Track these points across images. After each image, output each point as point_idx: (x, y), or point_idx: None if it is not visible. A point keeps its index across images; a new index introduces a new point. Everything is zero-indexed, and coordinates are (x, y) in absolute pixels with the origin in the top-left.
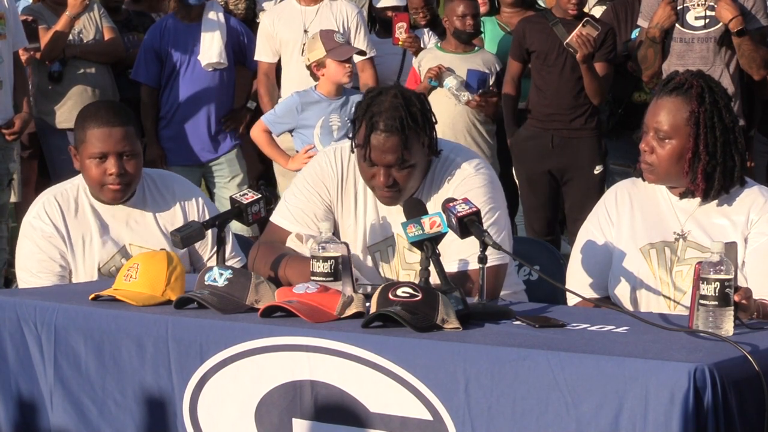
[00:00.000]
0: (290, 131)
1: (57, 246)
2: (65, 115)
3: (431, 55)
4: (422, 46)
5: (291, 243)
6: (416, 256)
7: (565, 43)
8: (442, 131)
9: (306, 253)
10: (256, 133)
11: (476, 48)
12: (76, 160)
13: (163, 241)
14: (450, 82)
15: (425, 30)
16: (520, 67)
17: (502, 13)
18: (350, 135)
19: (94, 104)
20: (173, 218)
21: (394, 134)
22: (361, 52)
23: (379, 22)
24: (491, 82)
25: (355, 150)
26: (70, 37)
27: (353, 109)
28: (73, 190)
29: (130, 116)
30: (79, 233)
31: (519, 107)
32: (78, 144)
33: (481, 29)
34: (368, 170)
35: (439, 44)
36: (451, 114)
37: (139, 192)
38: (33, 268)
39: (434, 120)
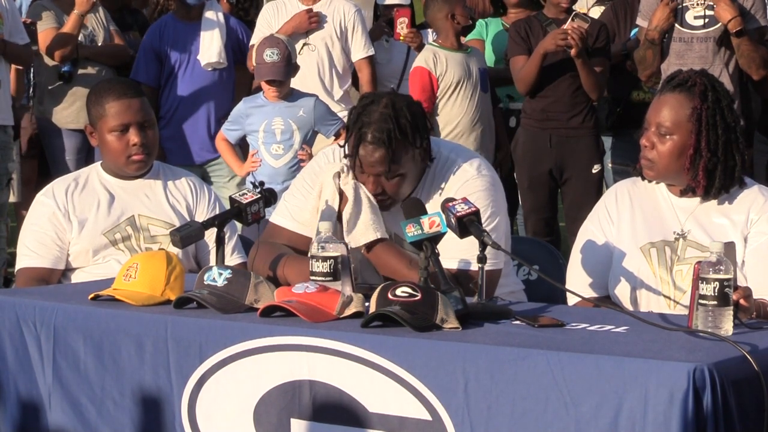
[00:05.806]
0: (244, 137)
1: (56, 224)
2: (72, 115)
3: (429, 53)
4: (424, 42)
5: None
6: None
7: None
8: (460, 116)
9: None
10: (217, 141)
11: (468, 49)
12: (93, 138)
13: (172, 215)
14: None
15: (430, 30)
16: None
17: (508, 14)
18: (342, 143)
19: (105, 81)
20: (185, 196)
21: (380, 147)
22: (282, 80)
23: (384, 21)
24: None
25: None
26: (81, 38)
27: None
28: (87, 170)
29: (141, 89)
30: (85, 205)
31: (513, 108)
32: (95, 120)
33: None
34: (360, 176)
35: (435, 42)
36: (474, 104)
37: (153, 169)
38: (30, 243)
39: (429, 126)
